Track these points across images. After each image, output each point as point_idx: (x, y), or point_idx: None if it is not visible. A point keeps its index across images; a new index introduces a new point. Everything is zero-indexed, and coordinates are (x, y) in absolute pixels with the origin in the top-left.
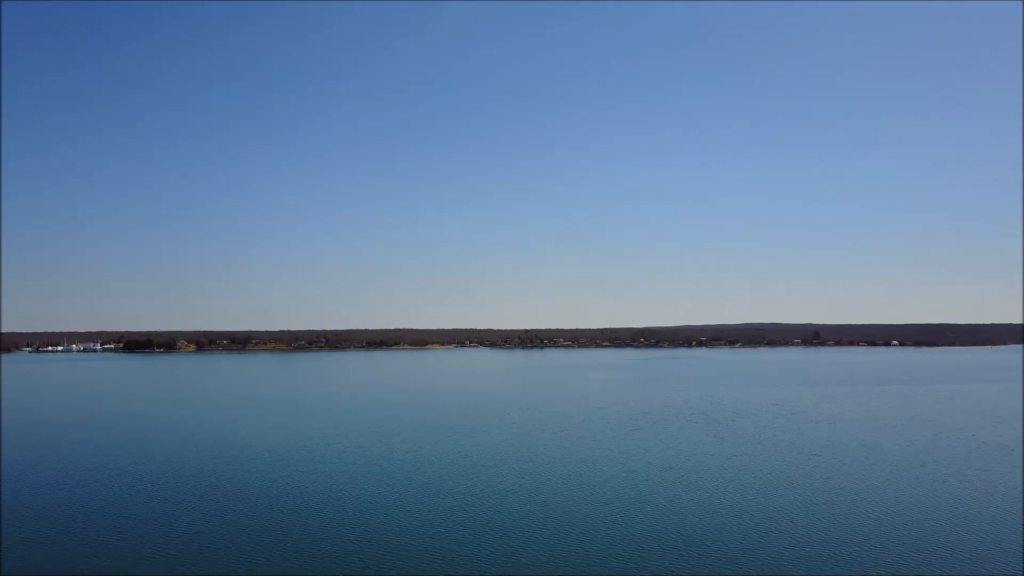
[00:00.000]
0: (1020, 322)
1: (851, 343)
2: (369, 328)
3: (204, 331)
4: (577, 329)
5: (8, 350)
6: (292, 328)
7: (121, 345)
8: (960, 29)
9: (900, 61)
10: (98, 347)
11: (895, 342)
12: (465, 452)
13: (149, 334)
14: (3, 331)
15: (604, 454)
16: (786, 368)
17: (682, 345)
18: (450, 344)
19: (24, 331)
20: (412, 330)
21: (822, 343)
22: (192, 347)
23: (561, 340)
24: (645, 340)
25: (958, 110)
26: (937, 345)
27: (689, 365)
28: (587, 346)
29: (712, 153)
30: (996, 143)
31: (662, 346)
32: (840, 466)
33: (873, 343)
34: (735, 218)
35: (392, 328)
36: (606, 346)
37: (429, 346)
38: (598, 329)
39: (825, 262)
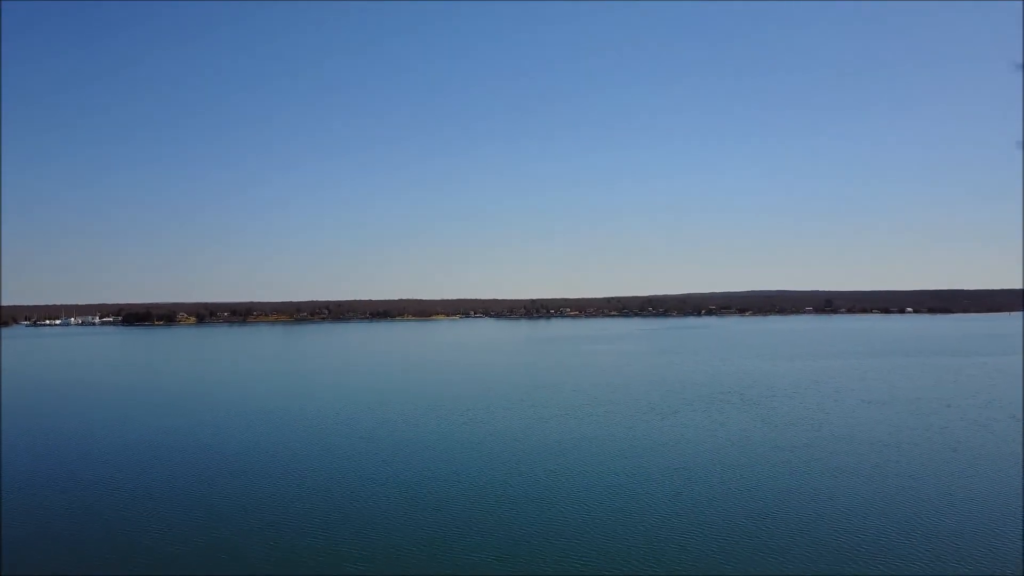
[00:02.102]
0: (1020, 287)
1: (864, 310)
2: (372, 299)
3: (204, 303)
4: (583, 299)
5: (6, 324)
6: (294, 299)
7: (120, 318)
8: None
9: (907, 51)
10: (97, 320)
11: (909, 309)
12: (481, 444)
13: (149, 306)
14: (1, 304)
15: (643, 445)
16: (806, 338)
17: (691, 313)
18: (455, 315)
19: (23, 304)
20: (416, 300)
21: (834, 310)
22: (192, 319)
23: (567, 310)
24: (653, 309)
25: (965, 83)
26: (951, 312)
27: (704, 335)
28: (594, 316)
29: (717, 125)
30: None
31: (670, 315)
32: (924, 460)
33: (887, 310)
34: (739, 187)
35: (396, 299)
36: (613, 315)
37: (434, 317)
38: (604, 298)
39: (830, 229)
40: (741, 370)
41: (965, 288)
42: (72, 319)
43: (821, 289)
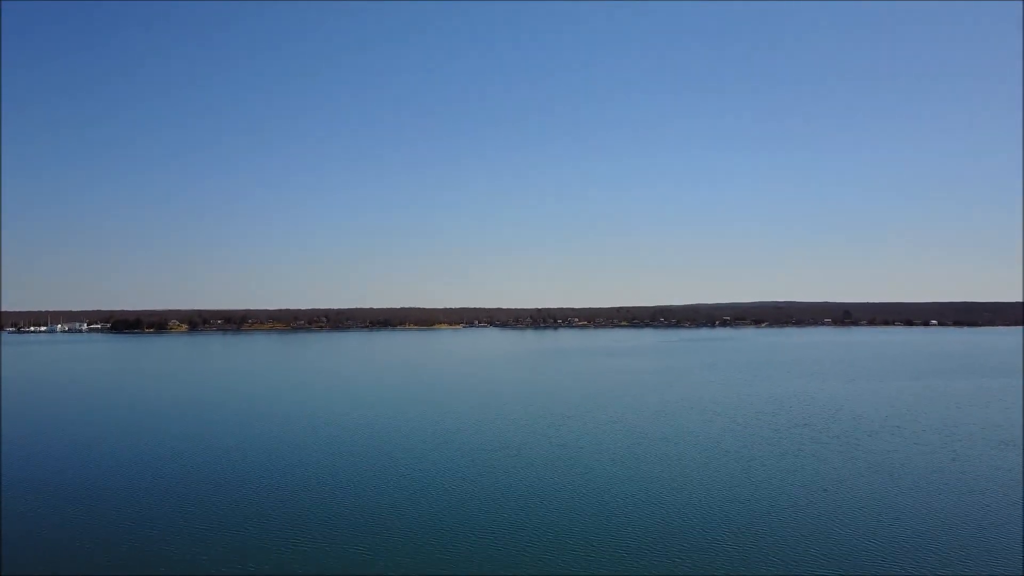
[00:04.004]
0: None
1: (886, 322)
2: (373, 307)
3: (197, 310)
4: (590, 308)
5: None
6: (291, 307)
7: (109, 325)
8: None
9: (917, 54)
10: (84, 327)
11: (934, 322)
12: (510, 509)
13: (139, 313)
14: (1, 310)
15: (736, 518)
16: (845, 353)
17: (703, 325)
18: (458, 324)
19: (8, 310)
20: (418, 309)
21: (854, 323)
22: (184, 327)
23: (575, 320)
24: (664, 320)
25: (980, 87)
26: (977, 325)
27: (729, 349)
28: (603, 326)
29: (724, 132)
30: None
31: (683, 326)
32: None
33: (910, 323)
34: (745, 194)
35: (397, 307)
36: (623, 326)
37: (436, 326)
38: (613, 308)
39: (839, 238)
40: (803, 393)
41: (976, 300)
42: (59, 326)
43: (831, 300)
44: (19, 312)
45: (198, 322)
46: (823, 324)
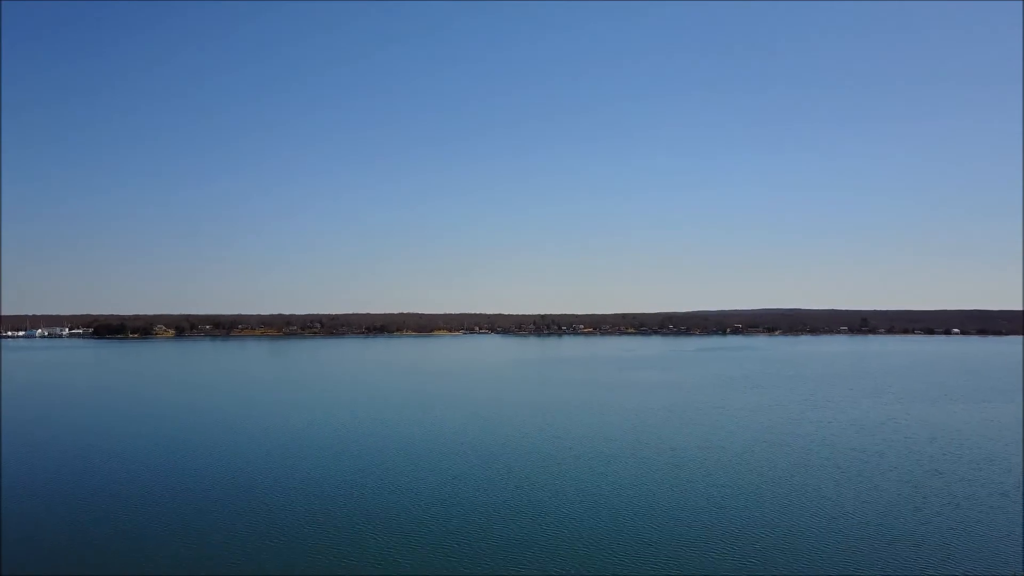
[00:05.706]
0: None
1: (904, 331)
2: (369, 312)
3: (185, 315)
4: (595, 314)
5: None
6: (283, 312)
7: (91, 330)
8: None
9: (927, 56)
10: (65, 332)
11: (956, 330)
12: None
13: (123, 318)
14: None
15: None
16: (891, 363)
17: (714, 332)
18: (458, 330)
19: None
20: (416, 314)
21: (872, 331)
22: (171, 332)
23: (580, 326)
24: (673, 327)
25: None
26: (1001, 334)
27: (754, 360)
28: (609, 333)
29: (731, 135)
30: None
31: (692, 333)
32: None
33: (931, 331)
34: (749, 199)
35: (395, 312)
36: (630, 333)
37: (435, 332)
38: (619, 314)
39: (846, 244)
40: (890, 421)
41: (992, 308)
42: (38, 331)
43: (840, 308)
44: (3, 316)
45: (185, 327)
46: (839, 332)
